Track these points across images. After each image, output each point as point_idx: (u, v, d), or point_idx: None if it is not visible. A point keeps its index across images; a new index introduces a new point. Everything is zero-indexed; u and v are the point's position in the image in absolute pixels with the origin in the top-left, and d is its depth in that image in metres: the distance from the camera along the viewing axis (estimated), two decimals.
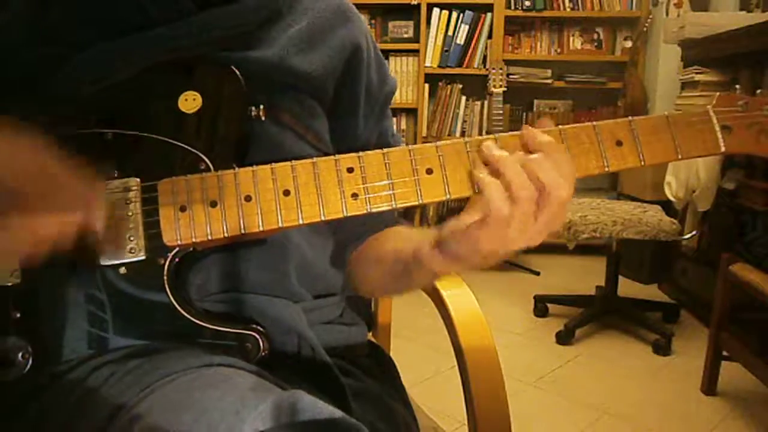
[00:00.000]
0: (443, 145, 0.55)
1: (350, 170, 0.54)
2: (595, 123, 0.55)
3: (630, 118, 0.56)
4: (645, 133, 0.55)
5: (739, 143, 0.56)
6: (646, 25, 3.22)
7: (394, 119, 3.51)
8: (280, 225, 0.54)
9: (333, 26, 0.70)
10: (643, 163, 0.55)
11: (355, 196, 0.54)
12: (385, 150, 0.55)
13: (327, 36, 0.69)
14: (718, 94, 0.56)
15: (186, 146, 0.57)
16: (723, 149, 0.56)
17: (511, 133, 0.54)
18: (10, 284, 0.54)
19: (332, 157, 0.55)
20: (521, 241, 0.51)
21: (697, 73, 2.50)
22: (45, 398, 0.53)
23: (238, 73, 0.59)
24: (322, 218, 0.54)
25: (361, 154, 0.55)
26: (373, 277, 0.74)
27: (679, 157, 0.55)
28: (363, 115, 0.74)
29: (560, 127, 0.55)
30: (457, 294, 0.85)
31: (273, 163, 0.55)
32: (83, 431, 0.50)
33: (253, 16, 0.63)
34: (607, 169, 0.55)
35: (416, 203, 0.54)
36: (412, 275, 0.64)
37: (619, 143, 0.55)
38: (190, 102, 0.57)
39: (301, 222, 0.54)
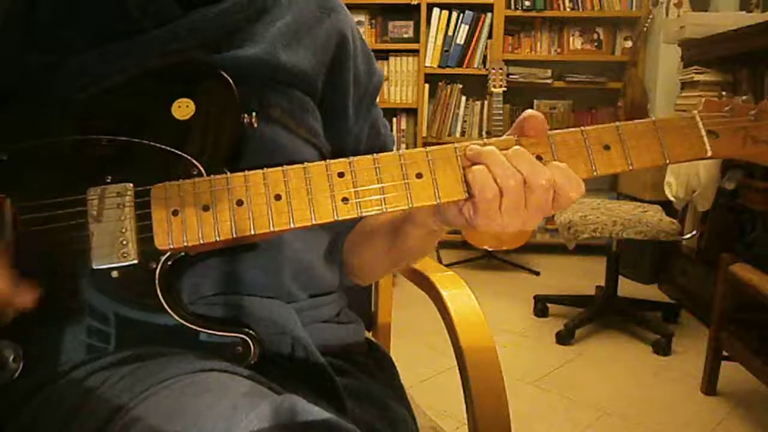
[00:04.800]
0: (433, 150, 0.55)
1: (341, 175, 0.55)
2: (583, 128, 0.56)
3: (617, 123, 0.56)
4: (632, 138, 0.56)
5: (725, 148, 0.57)
6: (646, 25, 3.21)
7: (394, 119, 3.53)
8: (271, 229, 0.55)
9: (318, 19, 0.70)
10: (631, 167, 0.56)
11: (345, 200, 0.55)
12: (376, 155, 0.55)
13: (313, 29, 0.69)
14: (704, 99, 0.56)
15: (179, 152, 0.57)
16: (709, 154, 0.57)
17: (497, 139, 0.56)
18: None
19: (323, 162, 0.55)
20: (516, 224, 0.54)
21: (697, 73, 2.50)
22: (37, 403, 0.53)
23: (230, 80, 0.59)
24: (314, 222, 0.55)
25: (351, 159, 0.56)
26: (367, 252, 0.74)
27: (667, 161, 0.56)
28: (353, 105, 0.74)
29: (548, 132, 0.55)
30: (457, 294, 0.86)
31: (265, 168, 0.56)
32: None
33: (238, 15, 0.63)
34: (595, 173, 0.56)
35: (406, 207, 0.55)
36: (408, 236, 0.65)
37: (606, 147, 0.56)
38: (183, 109, 0.58)
39: (292, 226, 0.55)
